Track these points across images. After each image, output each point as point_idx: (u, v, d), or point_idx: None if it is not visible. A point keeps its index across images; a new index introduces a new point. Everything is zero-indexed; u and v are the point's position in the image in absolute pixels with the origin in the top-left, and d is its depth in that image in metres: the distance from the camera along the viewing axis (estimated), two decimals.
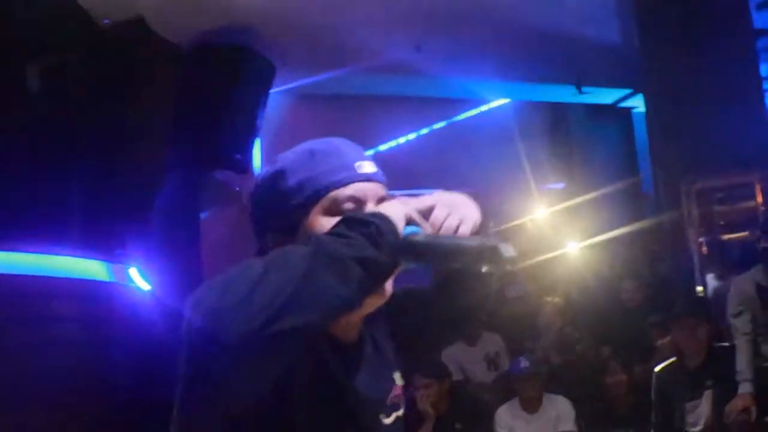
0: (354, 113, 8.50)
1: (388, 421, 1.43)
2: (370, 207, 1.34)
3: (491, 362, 6.27)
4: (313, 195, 1.33)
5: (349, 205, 1.33)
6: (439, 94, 9.02)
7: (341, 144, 1.41)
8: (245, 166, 7.41)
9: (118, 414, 5.41)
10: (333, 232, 1.18)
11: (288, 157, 1.39)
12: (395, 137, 9.18)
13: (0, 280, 4.97)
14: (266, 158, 8.49)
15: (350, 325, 1.37)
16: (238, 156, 7.16)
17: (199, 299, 1.09)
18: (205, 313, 1.06)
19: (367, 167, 1.37)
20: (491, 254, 1.22)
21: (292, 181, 1.35)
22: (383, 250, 1.16)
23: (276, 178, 1.37)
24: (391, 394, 1.45)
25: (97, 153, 6.04)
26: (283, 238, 1.33)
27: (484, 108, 9.62)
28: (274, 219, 1.36)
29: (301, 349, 1.13)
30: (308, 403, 1.25)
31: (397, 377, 1.49)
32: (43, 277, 5.23)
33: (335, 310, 1.12)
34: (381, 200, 1.37)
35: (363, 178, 1.36)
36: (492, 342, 6.33)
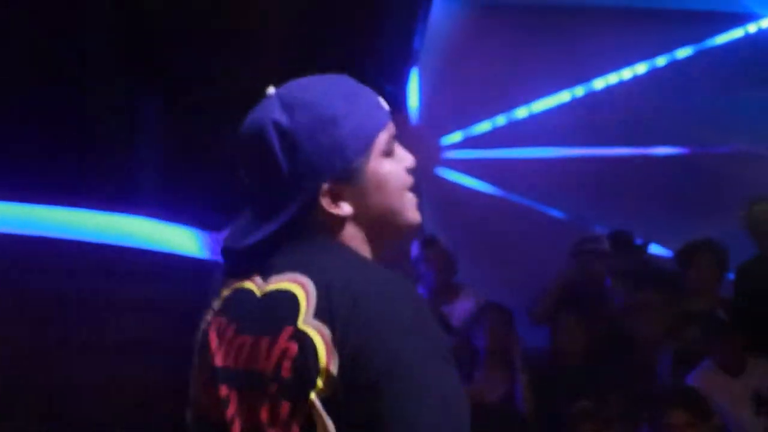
0: (555, 31, 6.11)
1: None
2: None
3: None
4: (369, 139, 1.45)
5: (392, 144, 1.50)
6: (681, 6, 6.28)
7: (352, 79, 1.52)
8: (398, 102, 6.07)
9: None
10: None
11: (331, 102, 1.44)
12: (612, 70, 6.46)
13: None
14: (426, 91, 6.52)
15: None
16: (389, 88, 5.81)
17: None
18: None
19: (382, 101, 1.55)
20: None
21: (346, 128, 1.42)
22: None
23: (328, 125, 1.43)
24: None
25: None
26: (343, 184, 1.43)
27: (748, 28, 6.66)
28: (330, 166, 1.42)
29: None
30: None
31: None
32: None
33: None
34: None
35: (389, 114, 1.52)
36: None
